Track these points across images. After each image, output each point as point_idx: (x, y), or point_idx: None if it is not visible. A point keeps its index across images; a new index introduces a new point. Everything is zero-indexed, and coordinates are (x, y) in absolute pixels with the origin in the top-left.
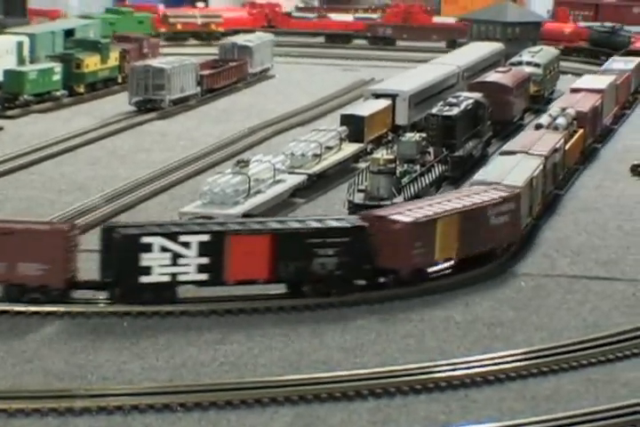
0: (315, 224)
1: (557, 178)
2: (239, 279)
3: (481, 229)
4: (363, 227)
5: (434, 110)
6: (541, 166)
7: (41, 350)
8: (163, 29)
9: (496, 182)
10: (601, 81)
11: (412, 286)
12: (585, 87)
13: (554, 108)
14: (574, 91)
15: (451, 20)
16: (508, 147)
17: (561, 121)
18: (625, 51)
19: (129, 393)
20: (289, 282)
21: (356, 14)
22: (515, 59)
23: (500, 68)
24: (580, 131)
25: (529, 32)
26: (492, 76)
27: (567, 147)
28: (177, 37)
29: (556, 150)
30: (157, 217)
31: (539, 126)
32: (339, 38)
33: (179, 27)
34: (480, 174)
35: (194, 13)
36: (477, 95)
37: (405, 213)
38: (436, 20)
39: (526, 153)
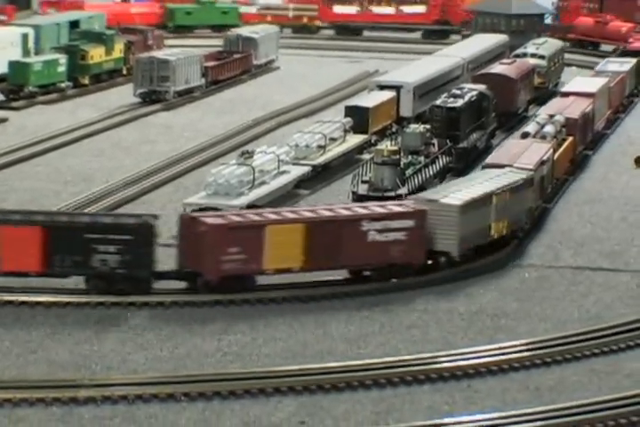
0: (100, 220)
1: (545, 192)
2: (10, 270)
3: (346, 242)
4: (149, 225)
5: (438, 102)
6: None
7: (45, 340)
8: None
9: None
10: (593, 84)
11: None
12: (575, 91)
13: (541, 114)
14: (564, 95)
15: None
16: (491, 159)
17: (549, 129)
18: (620, 51)
19: (133, 383)
20: (65, 276)
21: (401, 7)
22: (519, 50)
23: (505, 60)
24: (570, 139)
25: (533, 24)
26: (496, 68)
27: (556, 157)
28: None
29: (543, 162)
30: (161, 208)
31: (525, 135)
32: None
33: (268, 19)
34: (433, 191)
35: (287, 6)
36: (482, 87)
37: (229, 216)
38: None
39: (511, 166)
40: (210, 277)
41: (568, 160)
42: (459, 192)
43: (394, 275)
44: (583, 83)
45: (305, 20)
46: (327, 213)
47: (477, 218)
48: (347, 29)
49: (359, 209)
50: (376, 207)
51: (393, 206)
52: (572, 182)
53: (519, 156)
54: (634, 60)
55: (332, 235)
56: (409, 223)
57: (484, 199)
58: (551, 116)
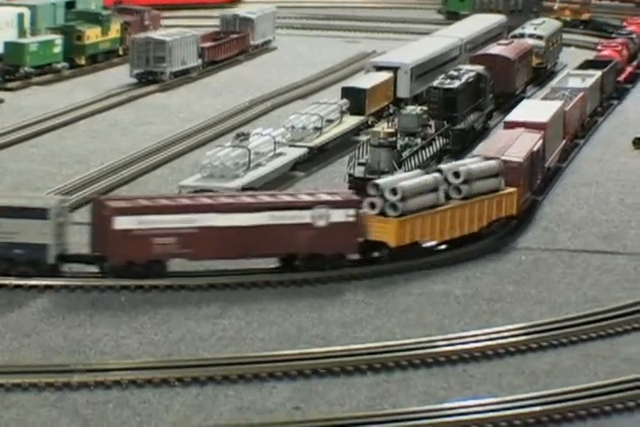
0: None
1: None
2: None
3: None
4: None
5: (435, 83)
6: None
7: (39, 324)
8: None
9: None
10: (545, 109)
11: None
12: (523, 120)
13: (475, 157)
14: (509, 125)
15: None
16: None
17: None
18: (585, 62)
19: (127, 368)
20: None
21: None
22: (517, 31)
23: (503, 41)
24: (511, 191)
25: (531, 4)
26: (494, 49)
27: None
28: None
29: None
30: (157, 190)
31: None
32: None
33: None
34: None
35: None
36: (479, 68)
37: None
38: None
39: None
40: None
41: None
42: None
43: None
44: (533, 107)
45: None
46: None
47: None
48: None
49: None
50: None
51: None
52: (568, 164)
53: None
54: (598, 74)
55: None
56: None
57: None
58: (487, 159)
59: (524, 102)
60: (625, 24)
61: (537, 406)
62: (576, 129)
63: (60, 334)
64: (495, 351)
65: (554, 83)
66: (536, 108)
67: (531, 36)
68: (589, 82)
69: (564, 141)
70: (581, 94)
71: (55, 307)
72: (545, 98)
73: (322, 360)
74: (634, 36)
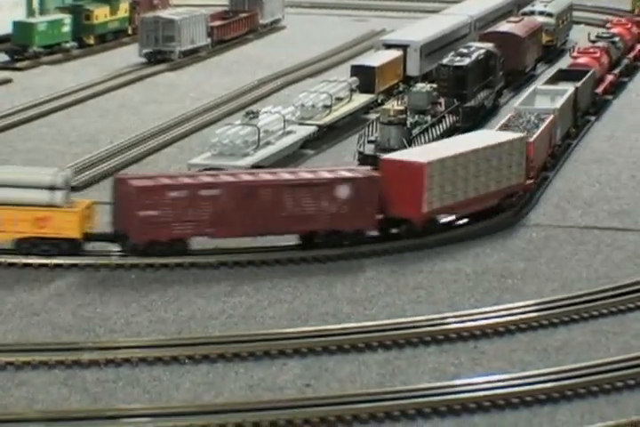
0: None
1: None
2: None
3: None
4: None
5: (445, 61)
6: None
7: (48, 303)
8: None
9: None
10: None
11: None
12: None
13: None
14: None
15: None
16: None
17: None
18: (557, 72)
19: (137, 346)
20: None
21: None
22: (527, 8)
23: (512, 18)
24: None
25: None
26: (503, 26)
27: None
28: None
29: None
30: (166, 169)
31: None
32: None
33: None
34: None
35: None
36: (489, 45)
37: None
38: None
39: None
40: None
41: None
42: None
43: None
44: (489, 137)
45: None
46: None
47: None
48: None
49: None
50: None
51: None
52: (579, 141)
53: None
54: (571, 90)
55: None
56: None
57: None
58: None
59: (480, 132)
60: (608, 25)
61: (549, 382)
62: (537, 174)
63: (70, 312)
64: (506, 328)
65: (517, 103)
66: (492, 138)
67: (541, 13)
68: (560, 101)
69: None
70: (550, 118)
71: (65, 285)
72: (506, 125)
73: (332, 338)
74: (617, 39)
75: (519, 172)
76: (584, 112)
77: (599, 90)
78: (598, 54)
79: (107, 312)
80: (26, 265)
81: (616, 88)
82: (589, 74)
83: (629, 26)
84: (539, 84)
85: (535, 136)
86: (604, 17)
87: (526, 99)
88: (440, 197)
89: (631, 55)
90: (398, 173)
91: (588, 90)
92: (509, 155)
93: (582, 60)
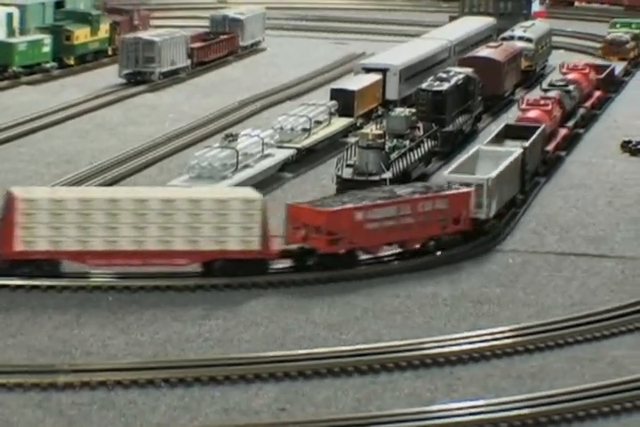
0: None
1: None
2: None
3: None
4: None
5: (424, 85)
6: None
7: (25, 324)
8: None
9: None
10: None
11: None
12: None
13: None
14: None
15: None
16: None
17: None
18: (504, 128)
19: (113, 369)
20: None
21: None
22: (506, 33)
23: (492, 43)
24: None
25: (521, 7)
26: (483, 51)
27: None
28: None
29: None
30: None
31: None
32: None
33: None
34: None
35: None
36: (468, 70)
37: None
38: None
39: None
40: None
41: None
42: None
43: None
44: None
45: None
46: None
47: None
48: None
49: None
50: None
51: None
52: (557, 168)
53: None
54: (517, 152)
55: None
56: None
57: None
58: None
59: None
60: (563, 70)
61: (524, 408)
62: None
63: (46, 334)
64: (482, 354)
65: (451, 169)
66: None
67: (520, 38)
68: (503, 165)
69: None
70: (515, 157)
71: (41, 307)
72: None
73: (308, 362)
74: (571, 88)
75: (247, 236)
76: (533, 174)
77: (550, 147)
78: (550, 107)
79: (83, 334)
80: (2, 286)
81: (570, 142)
82: (539, 131)
83: (586, 71)
84: (482, 145)
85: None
86: (583, 42)
87: (467, 161)
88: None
89: (588, 103)
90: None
91: (537, 149)
92: (220, 214)
93: (532, 113)
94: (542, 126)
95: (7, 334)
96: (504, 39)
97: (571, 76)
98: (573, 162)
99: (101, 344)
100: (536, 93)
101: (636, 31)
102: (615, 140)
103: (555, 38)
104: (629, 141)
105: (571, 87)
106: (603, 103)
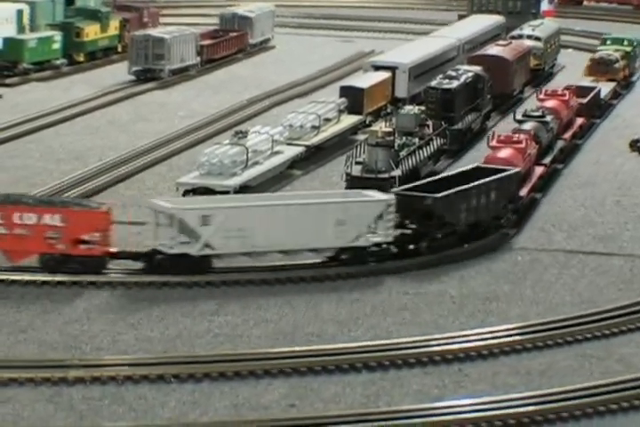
0: None
1: None
2: None
3: None
4: None
5: (433, 83)
6: None
7: (35, 320)
8: None
9: None
10: None
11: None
12: None
13: None
14: None
15: None
16: None
17: None
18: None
19: (123, 364)
20: None
21: None
22: (515, 32)
23: (501, 42)
24: None
25: (530, 5)
26: (492, 50)
27: None
28: None
29: None
30: (154, 187)
31: None
32: None
33: None
34: None
35: None
36: (477, 68)
37: None
38: None
39: None
40: None
41: None
42: None
43: None
44: None
45: None
46: None
47: None
48: None
49: None
50: None
51: None
52: (565, 166)
53: None
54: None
55: None
56: None
57: None
58: None
59: None
60: (539, 97)
61: (532, 405)
62: None
63: (57, 329)
64: (490, 351)
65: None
66: None
67: (529, 37)
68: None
69: None
70: None
71: (52, 303)
72: None
73: (317, 358)
74: (548, 118)
75: None
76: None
77: (524, 191)
78: (523, 144)
79: (93, 330)
80: (13, 282)
81: (548, 180)
82: (512, 174)
83: (567, 97)
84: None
85: None
86: (592, 41)
87: None
88: None
89: (568, 134)
90: None
91: (506, 195)
92: None
93: (503, 153)
94: (515, 171)
95: (18, 329)
96: (513, 38)
97: (549, 103)
98: (582, 161)
99: (111, 340)
100: (509, 123)
101: (628, 49)
102: (623, 140)
103: (563, 37)
104: (638, 140)
105: (548, 118)
106: (586, 131)
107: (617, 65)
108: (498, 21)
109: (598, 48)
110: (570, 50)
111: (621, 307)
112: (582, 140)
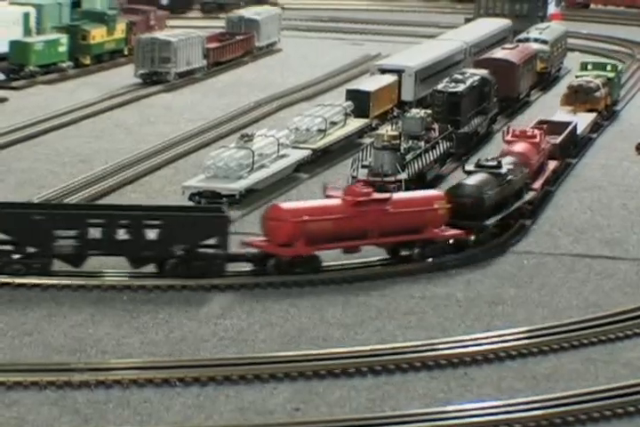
0: None
1: None
2: None
3: None
4: None
5: (439, 87)
6: None
7: (40, 323)
8: None
9: None
10: None
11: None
12: None
13: None
14: None
15: None
16: None
17: None
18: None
19: (128, 367)
20: None
21: None
22: (522, 35)
23: (507, 45)
24: None
25: (537, 9)
26: (498, 53)
27: None
28: None
29: None
30: (160, 191)
31: None
32: None
33: None
34: None
35: None
36: (484, 72)
37: None
38: None
39: None
40: None
41: None
42: None
43: None
44: None
45: None
46: None
47: None
48: None
49: None
50: None
51: None
52: (572, 169)
53: None
54: None
55: None
56: None
57: None
58: None
59: None
60: (506, 139)
61: (537, 410)
62: None
63: (62, 332)
64: (496, 355)
65: None
66: None
67: (535, 40)
68: None
69: None
70: None
71: (57, 306)
72: None
73: (322, 362)
74: (504, 169)
75: None
76: None
77: (537, 185)
78: (537, 138)
79: (98, 333)
80: (19, 285)
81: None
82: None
83: (538, 138)
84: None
85: None
86: (599, 44)
87: None
88: None
89: (538, 184)
90: None
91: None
92: None
93: (518, 147)
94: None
95: (23, 333)
96: (520, 41)
97: (515, 147)
98: (588, 164)
99: (116, 343)
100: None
101: (611, 75)
102: (629, 143)
103: (570, 40)
104: None
105: (504, 169)
106: (560, 174)
107: (598, 93)
108: (505, 24)
109: (577, 74)
110: (576, 53)
111: (627, 311)
112: (554, 186)
